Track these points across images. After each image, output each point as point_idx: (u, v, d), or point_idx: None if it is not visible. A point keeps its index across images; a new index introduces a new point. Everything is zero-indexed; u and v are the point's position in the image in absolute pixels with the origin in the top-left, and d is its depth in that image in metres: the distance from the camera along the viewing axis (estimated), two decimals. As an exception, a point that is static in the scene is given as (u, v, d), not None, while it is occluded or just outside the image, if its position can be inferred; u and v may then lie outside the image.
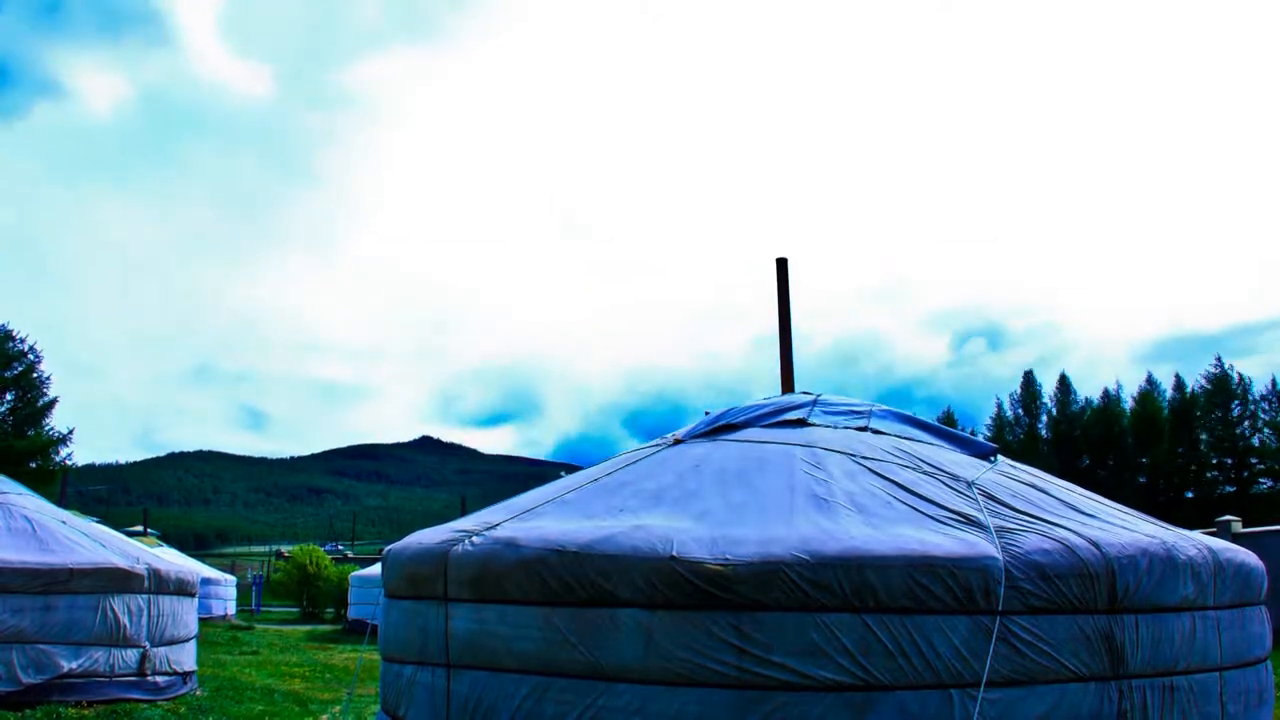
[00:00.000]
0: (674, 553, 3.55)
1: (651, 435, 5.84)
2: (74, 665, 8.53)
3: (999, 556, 3.52)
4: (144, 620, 9.13)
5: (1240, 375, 45.42)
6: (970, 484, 4.28)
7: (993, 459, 4.93)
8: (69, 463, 34.30)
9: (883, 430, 5.04)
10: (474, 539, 4.15)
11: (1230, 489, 44.43)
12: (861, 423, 5.09)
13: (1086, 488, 5.14)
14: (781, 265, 6.56)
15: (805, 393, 5.70)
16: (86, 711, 8.35)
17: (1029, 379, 51.96)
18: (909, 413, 5.32)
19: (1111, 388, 48.93)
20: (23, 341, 34.38)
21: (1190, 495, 45.45)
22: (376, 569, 23.08)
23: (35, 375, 34.34)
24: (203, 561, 33.36)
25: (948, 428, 5.31)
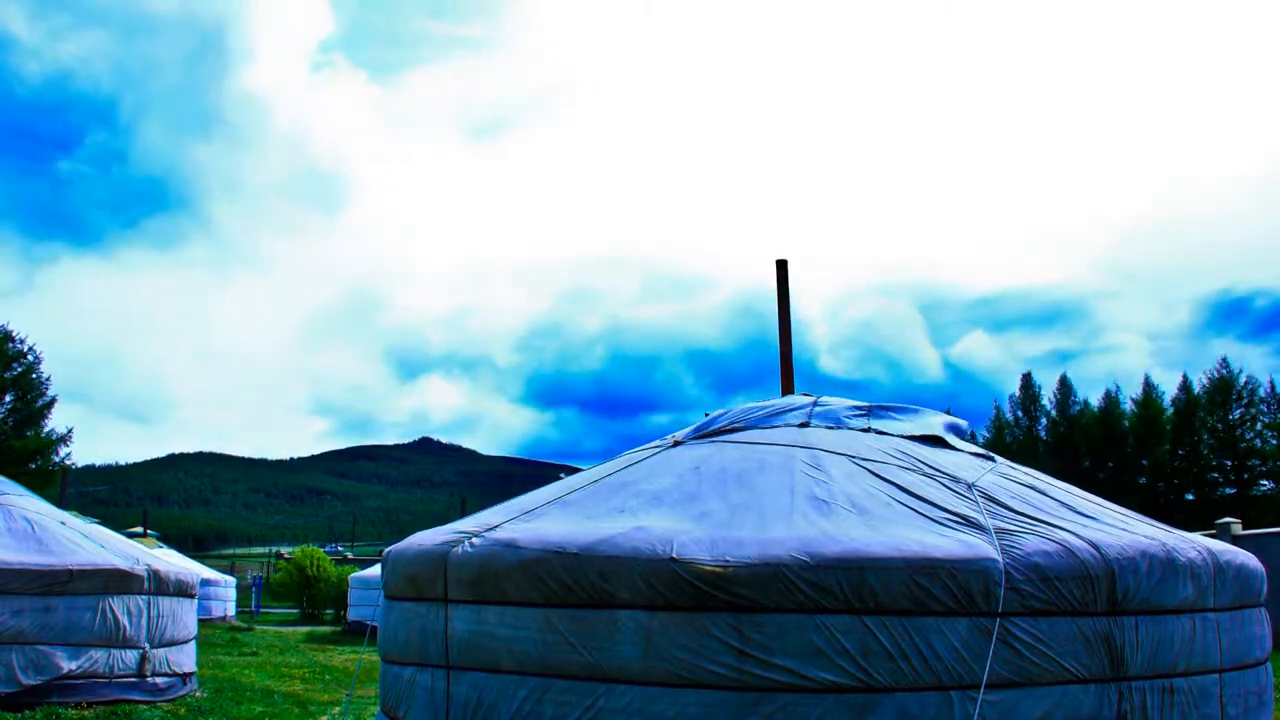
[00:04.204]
0: (674, 554, 3.55)
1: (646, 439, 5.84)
2: (73, 666, 8.52)
3: (999, 558, 3.52)
4: (143, 621, 9.13)
5: (1248, 377, 45.22)
6: (970, 486, 4.28)
7: (982, 453, 4.93)
8: (69, 463, 34.35)
9: (882, 430, 5.04)
10: (474, 540, 4.14)
11: (1230, 491, 44.34)
12: (862, 424, 5.09)
13: (1086, 489, 5.14)
14: (781, 267, 6.57)
15: (805, 394, 5.70)
16: (86, 712, 8.35)
17: (1028, 380, 51.84)
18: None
19: (1111, 389, 48.86)
20: (22, 342, 34.45)
21: (1190, 497, 45.35)
22: (376, 570, 23.08)
23: (35, 376, 34.38)
24: (202, 563, 33.30)
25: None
